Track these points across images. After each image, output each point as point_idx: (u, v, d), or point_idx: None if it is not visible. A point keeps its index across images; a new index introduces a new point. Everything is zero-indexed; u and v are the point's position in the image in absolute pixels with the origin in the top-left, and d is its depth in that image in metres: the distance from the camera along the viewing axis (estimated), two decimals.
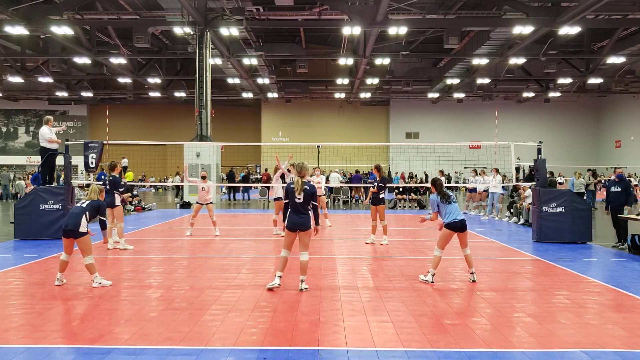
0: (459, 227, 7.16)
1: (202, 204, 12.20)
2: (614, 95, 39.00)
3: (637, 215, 10.55)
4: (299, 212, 6.67)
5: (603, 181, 26.79)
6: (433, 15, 22.36)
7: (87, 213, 7.03)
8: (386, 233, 10.97)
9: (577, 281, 7.54)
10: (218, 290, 6.83)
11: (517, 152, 13.87)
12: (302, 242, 6.77)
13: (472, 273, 7.39)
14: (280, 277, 6.84)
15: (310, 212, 6.73)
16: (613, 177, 11.47)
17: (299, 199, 6.66)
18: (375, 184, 10.82)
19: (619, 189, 10.76)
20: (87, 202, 7.21)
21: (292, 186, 6.73)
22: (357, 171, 27.65)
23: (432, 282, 7.24)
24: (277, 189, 12.33)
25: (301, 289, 6.77)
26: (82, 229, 6.84)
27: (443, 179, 19.22)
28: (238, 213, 19.21)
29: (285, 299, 6.36)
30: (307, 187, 6.70)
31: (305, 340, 4.89)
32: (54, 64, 28.92)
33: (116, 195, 10.20)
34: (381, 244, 10.84)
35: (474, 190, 18.32)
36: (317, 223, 6.82)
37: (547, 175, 17.04)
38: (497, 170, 17.29)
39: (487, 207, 17.36)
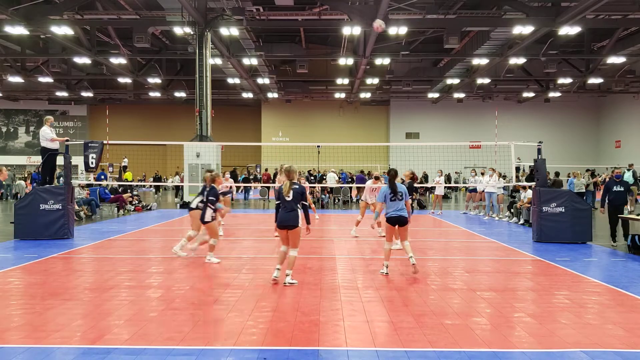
0: (398, 220, 7.74)
1: None
2: (614, 95, 38.93)
3: (638, 215, 10.55)
4: (287, 210, 7.03)
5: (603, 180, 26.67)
6: (433, 15, 22.32)
7: (209, 204, 8.42)
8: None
9: (577, 281, 7.55)
10: (218, 290, 6.83)
11: (517, 152, 13.86)
12: (291, 241, 7.10)
13: (411, 257, 7.74)
14: (279, 269, 7.20)
15: (299, 210, 7.04)
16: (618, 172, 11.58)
17: (289, 197, 7.02)
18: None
19: (622, 189, 10.85)
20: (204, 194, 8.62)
21: (281, 187, 7.18)
22: (361, 171, 27.72)
23: (387, 273, 7.76)
24: None
25: (285, 283, 7.00)
26: (207, 218, 8.40)
27: (443, 178, 19.23)
28: (238, 213, 19.20)
29: (285, 299, 6.36)
30: (296, 187, 7.07)
31: (305, 340, 4.89)
32: (54, 64, 28.87)
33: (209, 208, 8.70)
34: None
35: (474, 190, 18.33)
36: (307, 222, 7.10)
37: (553, 176, 17.13)
38: (493, 170, 17.34)
39: (485, 208, 17.39)
